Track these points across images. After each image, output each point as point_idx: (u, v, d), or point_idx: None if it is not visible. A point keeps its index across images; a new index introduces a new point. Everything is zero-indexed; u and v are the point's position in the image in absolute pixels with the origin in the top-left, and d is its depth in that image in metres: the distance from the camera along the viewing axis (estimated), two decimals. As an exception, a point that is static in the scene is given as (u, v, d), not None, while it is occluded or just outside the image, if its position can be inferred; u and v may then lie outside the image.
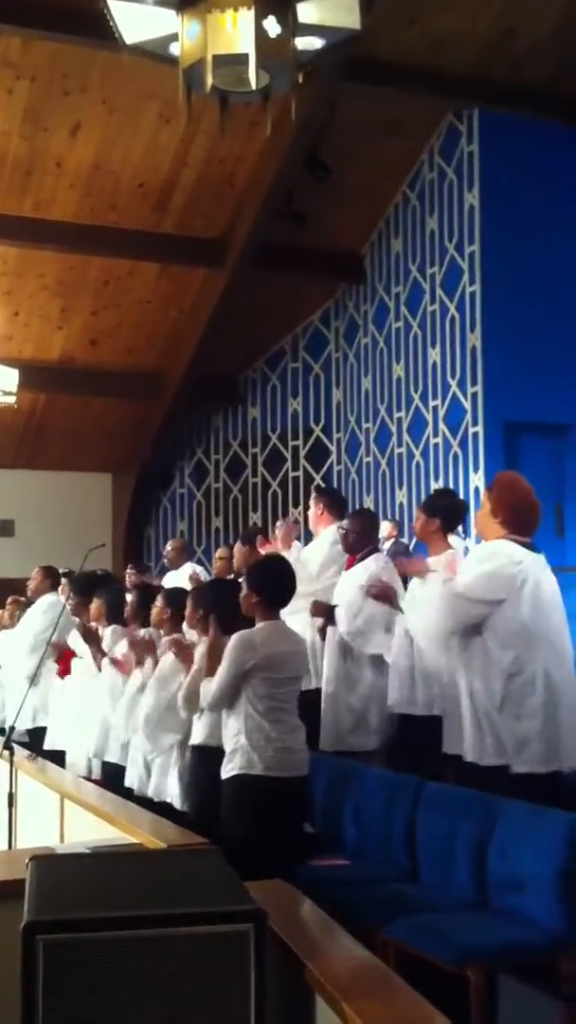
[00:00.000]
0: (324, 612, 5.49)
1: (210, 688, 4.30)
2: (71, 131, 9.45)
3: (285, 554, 5.68)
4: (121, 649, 5.70)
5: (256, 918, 2.34)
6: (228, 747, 4.24)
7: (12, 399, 8.50)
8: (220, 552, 8.02)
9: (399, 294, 11.41)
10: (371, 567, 5.43)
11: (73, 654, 6.14)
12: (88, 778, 5.54)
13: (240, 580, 5.59)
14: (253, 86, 3.65)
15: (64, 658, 6.22)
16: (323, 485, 11.63)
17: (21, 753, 5.15)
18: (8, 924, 2.76)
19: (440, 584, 4.43)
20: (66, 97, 9.12)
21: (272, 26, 3.57)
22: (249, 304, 11.44)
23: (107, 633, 6.09)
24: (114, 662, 5.54)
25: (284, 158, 9.87)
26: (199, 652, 4.70)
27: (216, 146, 9.83)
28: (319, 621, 5.55)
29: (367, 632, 5.29)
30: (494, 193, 10.15)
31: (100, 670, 5.77)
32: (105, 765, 5.62)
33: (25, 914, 2.31)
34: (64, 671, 6.14)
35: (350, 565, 5.58)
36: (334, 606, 5.46)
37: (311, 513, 6.21)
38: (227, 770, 4.23)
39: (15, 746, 4.99)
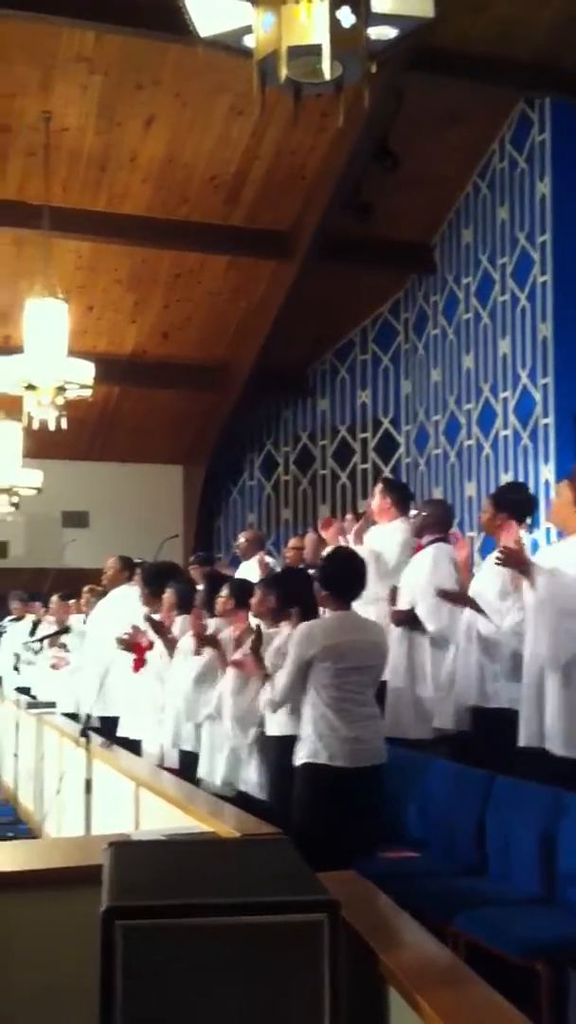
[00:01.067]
0: (406, 619, 5.47)
1: (277, 679, 4.33)
2: (144, 125, 9.53)
3: (358, 549, 5.68)
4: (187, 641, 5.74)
5: (330, 908, 2.35)
6: (299, 736, 4.27)
7: (88, 392, 8.58)
8: (293, 542, 8.04)
9: (469, 285, 11.31)
10: (433, 557, 5.42)
11: (148, 647, 6.18)
12: (161, 766, 5.59)
13: (311, 570, 5.62)
14: (327, 77, 3.64)
15: (138, 651, 6.26)
16: (392, 478, 11.59)
17: (96, 740, 5.22)
18: (85, 909, 2.81)
19: (541, 595, 4.27)
20: (139, 91, 9.19)
21: (346, 16, 3.55)
22: (318, 296, 11.44)
23: (178, 623, 6.13)
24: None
25: (353, 149, 9.84)
26: (275, 645, 4.72)
27: (287, 138, 9.83)
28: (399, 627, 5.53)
29: (452, 623, 5.31)
30: (566, 182, 10.01)
31: (171, 659, 5.82)
32: (180, 754, 5.67)
33: (104, 899, 2.35)
34: (139, 663, 6.18)
35: (417, 550, 5.60)
36: (412, 610, 5.46)
37: (375, 504, 6.21)
38: (297, 758, 4.27)
39: (91, 733, 5.05)
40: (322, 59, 3.52)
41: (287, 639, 4.57)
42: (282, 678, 4.30)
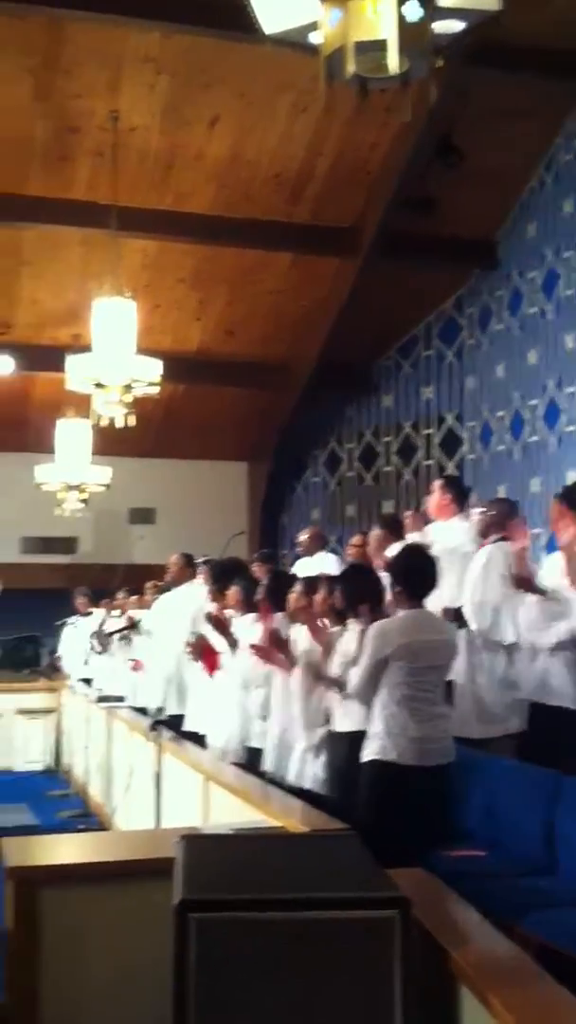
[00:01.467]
0: (452, 618, 5.46)
1: (352, 677, 4.34)
2: (209, 124, 9.57)
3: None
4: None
5: (401, 905, 2.36)
6: (369, 732, 4.28)
7: (155, 389, 8.66)
8: (354, 540, 8.03)
9: (534, 279, 11.19)
10: (488, 556, 5.41)
11: (214, 652, 6.17)
12: (227, 761, 5.62)
13: (376, 567, 5.62)
14: (393, 72, 3.64)
15: (207, 654, 6.21)
16: (451, 475, 11.52)
17: (166, 735, 5.27)
18: (156, 901, 2.85)
19: None
20: (204, 90, 9.24)
21: (412, 10, 3.54)
22: (381, 292, 11.40)
23: (245, 621, 6.14)
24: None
25: (417, 144, 9.79)
26: (346, 639, 4.73)
27: (350, 135, 9.82)
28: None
29: (497, 623, 5.28)
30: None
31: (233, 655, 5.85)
32: (246, 749, 5.70)
33: (177, 892, 2.38)
34: (212, 669, 6.16)
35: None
36: (459, 609, 5.45)
37: (434, 501, 6.20)
38: (365, 755, 4.27)
39: (161, 728, 5.10)
40: (388, 54, 3.52)
41: (357, 637, 4.57)
42: (356, 676, 4.31)
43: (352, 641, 4.63)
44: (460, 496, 6.15)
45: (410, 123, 9.06)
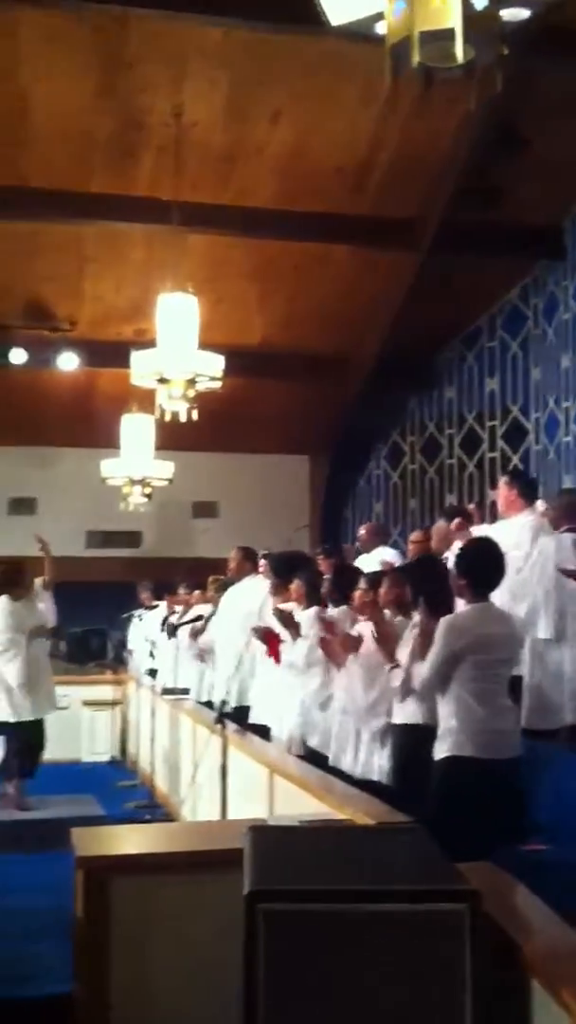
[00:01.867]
0: None
1: (422, 671, 4.32)
2: (271, 118, 9.57)
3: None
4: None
5: (471, 899, 2.35)
6: (440, 728, 4.25)
7: (218, 384, 8.70)
8: (414, 536, 7.99)
9: (602, 268, 11.06)
10: (556, 546, 5.35)
11: (278, 639, 6.22)
12: (291, 754, 5.64)
13: (442, 559, 5.59)
14: (459, 61, 3.61)
15: (271, 642, 6.28)
16: (518, 468, 11.42)
17: (231, 727, 5.29)
18: (224, 891, 2.87)
19: None
20: (266, 85, 9.23)
21: (478, -2, 3.52)
22: (444, 283, 11.32)
23: (308, 615, 6.15)
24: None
25: (481, 134, 9.71)
26: (409, 634, 4.71)
27: (412, 125, 9.74)
28: None
29: (531, 618, 5.24)
30: None
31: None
32: (309, 743, 5.71)
33: (247, 883, 2.39)
34: (275, 655, 6.21)
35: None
36: None
37: (501, 496, 6.16)
38: (439, 751, 4.24)
39: (226, 720, 5.13)
40: (454, 43, 3.49)
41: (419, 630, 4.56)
42: (426, 669, 4.28)
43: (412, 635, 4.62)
44: (527, 490, 6.09)
45: (474, 112, 8.95)
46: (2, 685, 7.68)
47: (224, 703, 5.12)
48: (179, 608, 9.53)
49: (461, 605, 4.54)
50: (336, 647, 5.29)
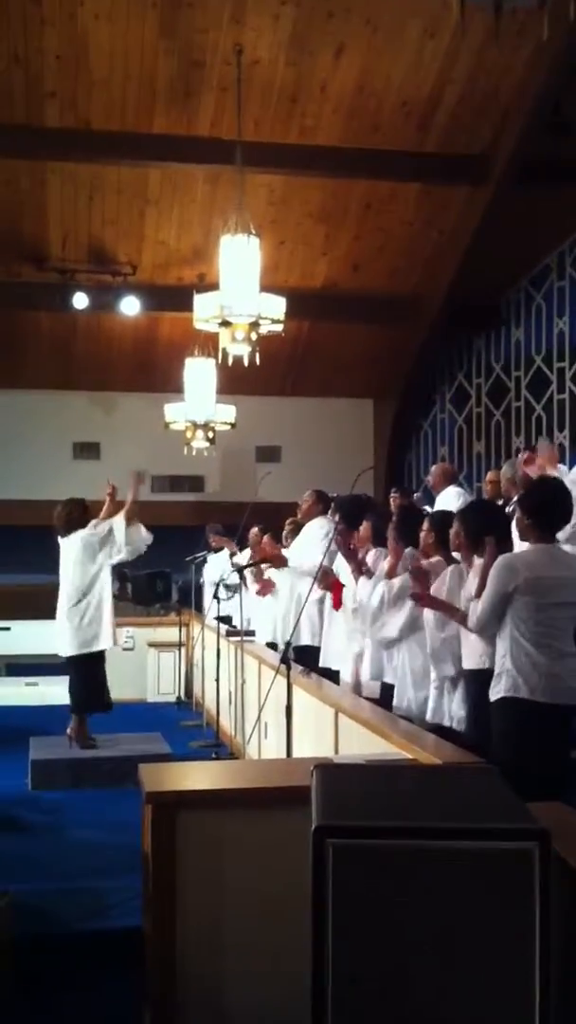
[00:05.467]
0: None
1: (476, 611, 4.28)
2: (335, 54, 9.37)
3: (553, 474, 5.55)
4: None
5: (541, 837, 2.33)
6: (496, 669, 4.22)
7: (280, 327, 8.62)
8: (490, 475, 7.91)
9: None
10: None
11: (342, 585, 6.21)
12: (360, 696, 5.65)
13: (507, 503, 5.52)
14: (531, -14, 3.50)
15: (335, 589, 6.28)
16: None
17: (296, 669, 5.31)
18: (290, 827, 2.88)
19: None
20: (330, 19, 9.04)
21: None
22: (513, 222, 11.07)
23: (371, 555, 6.15)
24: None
25: (552, 67, 9.41)
26: (472, 575, 4.67)
27: (481, 59, 9.49)
28: None
29: None
30: None
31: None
32: (380, 685, 5.72)
33: (315, 818, 2.39)
34: (337, 602, 6.21)
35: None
36: None
37: None
38: (494, 692, 4.23)
39: (291, 662, 5.14)
40: (526, -33, 3.38)
41: (478, 572, 4.51)
42: (480, 608, 4.25)
43: (475, 576, 4.57)
44: None
45: (545, 45, 8.69)
46: (74, 620, 7.74)
47: (288, 644, 5.13)
48: (247, 552, 9.55)
49: (524, 547, 4.48)
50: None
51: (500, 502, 6.64)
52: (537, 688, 4.11)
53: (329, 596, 6.41)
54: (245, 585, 8.47)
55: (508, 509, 5.68)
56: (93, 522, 7.85)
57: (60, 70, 9.48)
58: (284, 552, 7.91)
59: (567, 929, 2.49)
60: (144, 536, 7.90)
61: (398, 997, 2.31)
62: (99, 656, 7.77)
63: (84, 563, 7.74)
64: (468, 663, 4.67)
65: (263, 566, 8.10)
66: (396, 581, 5.42)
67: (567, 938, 2.50)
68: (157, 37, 9.17)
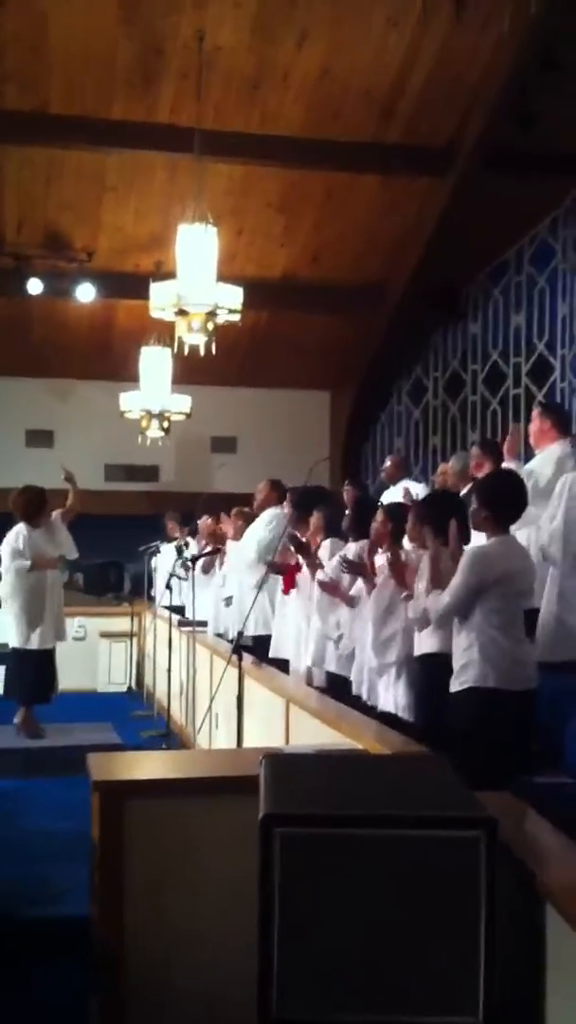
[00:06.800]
0: None
1: (441, 601, 4.28)
2: (297, 41, 9.31)
3: (512, 465, 5.59)
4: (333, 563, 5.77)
5: (488, 825, 2.34)
6: (459, 660, 4.23)
7: (237, 317, 8.59)
8: (441, 467, 7.94)
9: None
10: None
11: (297, 569, 6.24)
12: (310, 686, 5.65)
13: (461, 495, 5.54)
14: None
15: (288, 573, 6.32)
16: (551, 400, 11.29)
17: (247, 659, 5.30)
18: (240, 816, 2.87)
19: None
20: (293, 6, 8.97)
21: None
22: (473, 215, 11.07)
23: (325, 546, 6.17)
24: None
25: (517, 57, 9.38)
26: (422, 566, 4.68)
27: (445, 49, 9.44)
28: None
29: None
30: None
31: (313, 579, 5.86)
32: (328, 675, 5.73)
33: (262, 807, 2.38)
34: (289, 586, 6.25)
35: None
36: None
37: (533, 429, 6.06)
38: (458, 683, 4.22)
39: (243, 652, 5.13)
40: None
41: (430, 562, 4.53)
42: (448, 599, 4.24)
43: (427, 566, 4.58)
44: (560, 421, 5.99)
45: (510, 36, 8.66)
46: (13, 613, 7.72)
47: (240, 634, 5.12)
48: (200, 541, 9.52)
49: (480, 539, 4.50)
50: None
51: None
52: (504, 676, 4.15)
53: (280, 584, 6.42)
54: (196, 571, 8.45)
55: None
56: (54, 513, 7.90)
57: (18, 52, 9.34)
58: (232, 542, 7.91)
59: (513, 917, 2.50)
60: (64, 542, 7.96)
61: (345, 983, 2.31)
62: (42, 652, 7.75)
63: (7, 562, 7.79)
64: (418, 649, 4.68)
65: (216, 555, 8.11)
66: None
67: (512, 926, 2.51)
68: (118, 21, 9.07)
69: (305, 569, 6.08)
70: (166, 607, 9.12)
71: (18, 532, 7.91)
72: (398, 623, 4.89)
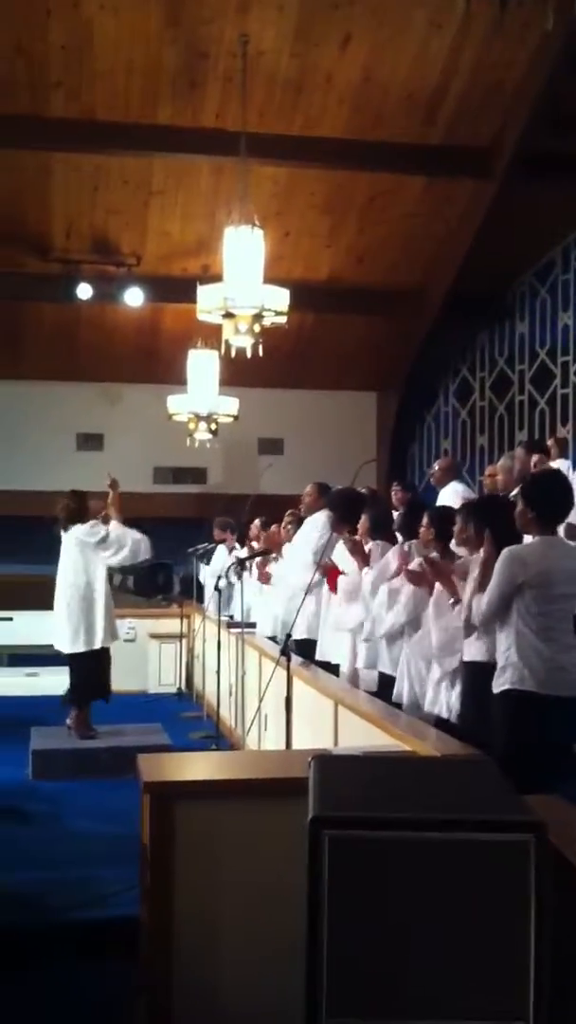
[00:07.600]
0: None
1: (481, 604, 4.26)
2: (340, 45, 9.34)
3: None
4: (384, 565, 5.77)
5: (537, 829, 2.33)
6: (499, 662, 4.21)
7: (283, 319, 8.60)
8: (489, 470, 7.90)
9: None
10: None
11: (339, 572, 6.24)
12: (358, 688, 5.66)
13: (512, 496, 5.51)
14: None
15: (331, 576, 6.33)
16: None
17: (296, 660, 5.31)
18: (288, 818, 2.88)
19: None
20: (336, 10, 9.00)
21: None
22: (518, 215, 11.04)
23: (371, 548, 6.17)
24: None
25: (558, 60, 9.37)
26: (473, 569, 4.66)
27: (486, 52, 9.45)
28: None
29: None
30: None
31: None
32: (379, 676, 5.72)
33: (311, 809, 2.39)
34: (333, 588, 6.26)
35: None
36: None
37: None
38: (497, 684, 4.21)
39: (291, 654, 5.14)
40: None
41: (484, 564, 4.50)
42: (485, 602, 4.23)
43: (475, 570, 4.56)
44: None
45: (551, 37, 8.65)
46: (66, 616, 7.75)
47: (289, 636, 5.13)
48: (248, 546, 9.55)
49: (527, 540, 4.47)
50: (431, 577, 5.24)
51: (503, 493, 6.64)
52: (543, 680, 4.10)
53: (326, 587, 6.43)
54: (249, 573, 8.48)
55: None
56: (92, 522, 7.83)
57: (65, 60, 9.45)
58: (286, 545, 7.92)
59: (562, 920, 2.49)
60: (140, 542, 7.89)
61: (393, 986, 2.31)
62: (98, 653, 7.77)
63: (78, 561, 7.75)
64: (467, 655, 4.67)
65: (269, 556, 8.14)
66: (396, 581, 5.44)
67: (562, 929, 2.50)
68: (162, 27, 9.15)
69: (353, 571, 6.08)
70: (215, 607, 9.16)
71: (96, 529, 7.81)
72: (454, 627, 4.87)
